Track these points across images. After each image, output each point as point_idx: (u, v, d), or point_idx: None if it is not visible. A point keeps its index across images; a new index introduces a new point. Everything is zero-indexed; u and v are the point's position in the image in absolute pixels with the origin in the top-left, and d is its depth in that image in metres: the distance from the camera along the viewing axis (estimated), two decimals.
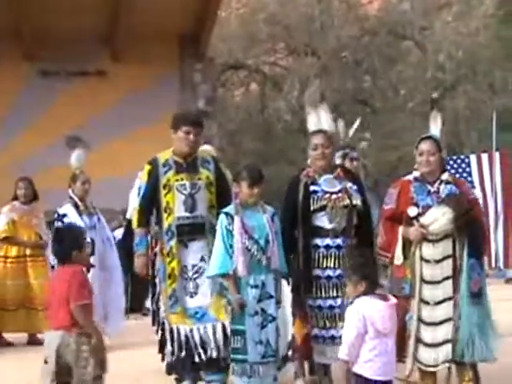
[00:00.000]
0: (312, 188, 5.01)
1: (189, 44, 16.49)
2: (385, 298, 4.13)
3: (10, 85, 15.17)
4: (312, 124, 5.25)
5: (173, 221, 5.26)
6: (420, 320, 4.94)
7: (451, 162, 11.11)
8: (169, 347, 5.27)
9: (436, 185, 5.02)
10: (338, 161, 6.22)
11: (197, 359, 5.18)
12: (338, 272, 4.92)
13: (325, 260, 4.96)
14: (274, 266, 4.77)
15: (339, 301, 4.92)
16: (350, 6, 22.54)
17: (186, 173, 5.32)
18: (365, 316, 4.02)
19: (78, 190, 7.38)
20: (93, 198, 7.78)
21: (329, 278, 4.95)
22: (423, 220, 4.91)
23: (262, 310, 4.76)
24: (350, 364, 4.07)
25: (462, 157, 11.82)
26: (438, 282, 4.94)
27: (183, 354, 5.20)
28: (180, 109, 15.91)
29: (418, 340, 4.93)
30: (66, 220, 7.25)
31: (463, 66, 21.07)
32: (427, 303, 4.94)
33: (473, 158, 11.39)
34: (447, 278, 4.92)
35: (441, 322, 4.92)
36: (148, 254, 5.45)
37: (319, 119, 5.21)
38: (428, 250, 4.94)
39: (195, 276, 5.29)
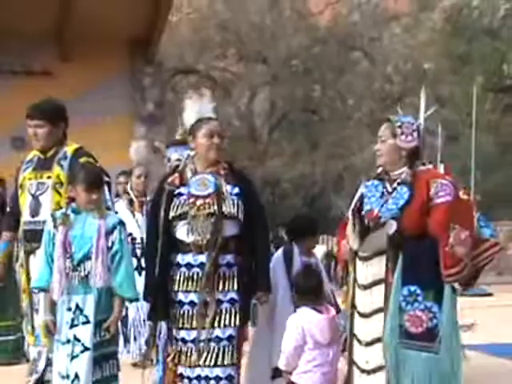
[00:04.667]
0: (178, 190, 4.00)
1: (139, 47, 16.28)
2: (323, 311, 3.99)
3: None
4: (192, 111, 4.22)
5: (21, 226, 4.49)
6: (354, 363, 3.78)
7: None
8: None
9: (395, 184, 3.80)
10: None
11: None
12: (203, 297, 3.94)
13: (186, 282, 3.95)
14: (97, 284, 3.87)
15: (194, 333, 3.93)
16: (301, 16, 22.66)
17: (39, 170, 4.51)
18: (303, 328, 3.94)
19: (133, 184, 6.92)
20: None
21: (192, 304, 3.95)
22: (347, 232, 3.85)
23: (75, 337, 3.87)
24: (289, 374, 4.01)
25: None
26: (369, 316, 3.74)
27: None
28: (130, 111, 15.82)
29: None
30: None
31: (410, 78, 21.35)
32: (360, 342, 3.77)
33: None
34: (379, 311, 3.69)
35: (373, 371, 3.73)
36: (4, 262, 4.73)
37: (200, 107, 4.20)
38: (360, 272, 3.77)
39: None
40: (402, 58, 21.16)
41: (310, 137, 22.92)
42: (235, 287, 3.92)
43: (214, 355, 3.90)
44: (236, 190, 3.99)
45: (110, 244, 3.91)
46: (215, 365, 3.90)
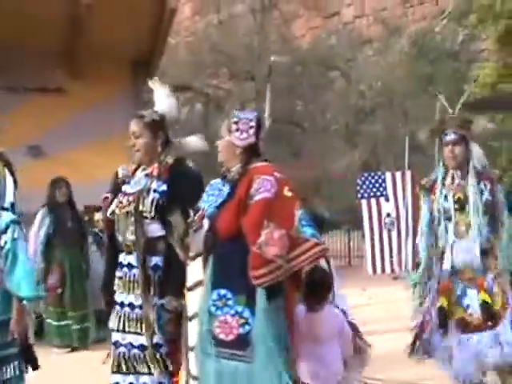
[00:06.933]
0: (122, 188, 3.62)
1: (141, 67, 16.60)
2: (316, 309, 3.47)
3: None
4: (157, 105, 3.77)
5: None
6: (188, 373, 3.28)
7: (369, 178, 11.41)
8: None
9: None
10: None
11: None
12: (130, 299, 3.43)
13: (118, 281, 3.51)
14: None
15: (140, 339, 3.38)
16: (285, 39, 22.96)
17: None
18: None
19: None
20: None
21: (122, 305, 3.47)
22: None
23: None
24: None
25: (379, 173, 12.12)
26: (191, 319, 3.25)
27: None
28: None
29: None
30: None
31: (381, 95, 21.65)
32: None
33: (388, 176, 11.74)
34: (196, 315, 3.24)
35: (195, 378, 3.24)
36: None
37: (160, 99, 3.76)
38: (189, 273, 3.31)
39: None
40: (374, 78, 21.47)
41: (292, 146, 23.20)
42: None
43: (139, 362, 3.41)
44: (163, 187, 3.46)
45: (2, 244, 3.52)
46: (135, 371, 3.43)
